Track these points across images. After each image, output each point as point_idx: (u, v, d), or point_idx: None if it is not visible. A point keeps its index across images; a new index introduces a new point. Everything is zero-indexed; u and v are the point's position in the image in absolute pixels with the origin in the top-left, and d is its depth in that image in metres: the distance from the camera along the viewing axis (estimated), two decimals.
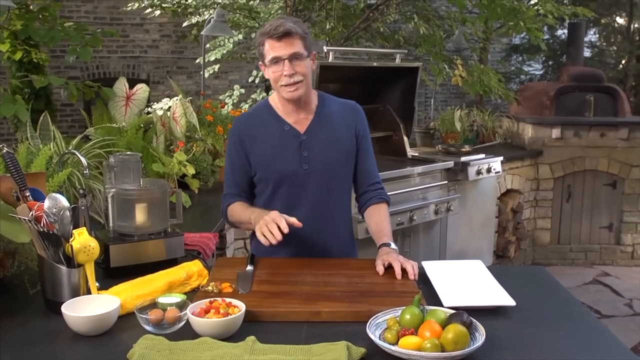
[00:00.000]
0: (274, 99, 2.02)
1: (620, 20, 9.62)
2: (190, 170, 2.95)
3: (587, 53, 8.95)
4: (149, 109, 3.26)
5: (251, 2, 5.30)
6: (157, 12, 5.77)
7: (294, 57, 1.84)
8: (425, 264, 1.83)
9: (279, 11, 5.21)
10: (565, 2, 8.22)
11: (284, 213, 1.84)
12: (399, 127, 4.21)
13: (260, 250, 1.94)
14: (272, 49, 1.84)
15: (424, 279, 1.74)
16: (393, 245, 1.91)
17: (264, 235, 1.74)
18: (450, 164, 4.24)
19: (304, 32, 1.86)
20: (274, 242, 1.72)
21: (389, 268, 1.78)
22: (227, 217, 2.05)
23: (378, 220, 2.02)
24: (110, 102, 3.23)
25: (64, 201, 1.56)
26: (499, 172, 4.59)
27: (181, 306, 1.46)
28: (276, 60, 1.85)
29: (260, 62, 1.93)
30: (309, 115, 1.98)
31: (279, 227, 1.72)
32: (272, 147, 1.96)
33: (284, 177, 1.95)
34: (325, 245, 2.00)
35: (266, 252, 1.92)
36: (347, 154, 2.01)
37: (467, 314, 1.36)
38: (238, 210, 1.99)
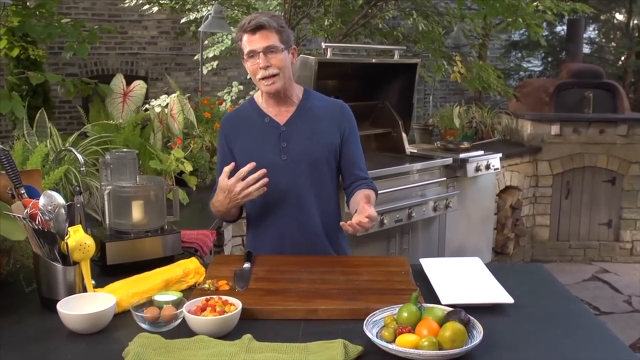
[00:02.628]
0: (258, 96, 2.06)
1: (619, 17, 9.60)
2: (188, 167, 2.94)
3: (586, 49, 8.93)
4: (147, 106, 3.25)
5: None
6: (155, 9, 5.76)
7: (268, 50, 1.87)
8: (423, 262, 1.82)
9: (277, 7, 5.18)
10: None
11: (267, 204, 1.97)
12: (398, 124, 4.20)
13: (250, 245, 2.07)
14: (248, 42, 1.89)
15: (422, 277, 1.73)
16: None
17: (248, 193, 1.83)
18: (449, 160, 4.23)
19: (279, 25, 1.90)
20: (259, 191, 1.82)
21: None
22: (211, 207, 2.02)
23: (362, 197, 1.92)
24: (108, 99, 3.23)
25: (59, 198, 1.55)
26: (497, 168, 4.58)
27: (177, 304, 1.45)
28: (252, 54, 1.89)
29: (242, 58, 1.96)
30: (291, 108, 2.01)
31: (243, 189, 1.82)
32: (253, 139, 2.00)
33: (264, 167, 1.94)
34: (311, 238, 2.01)
35: (254, 246, 2.02)
36: (329, 148, 2.00)
37: (465, 312, 1.36)
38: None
